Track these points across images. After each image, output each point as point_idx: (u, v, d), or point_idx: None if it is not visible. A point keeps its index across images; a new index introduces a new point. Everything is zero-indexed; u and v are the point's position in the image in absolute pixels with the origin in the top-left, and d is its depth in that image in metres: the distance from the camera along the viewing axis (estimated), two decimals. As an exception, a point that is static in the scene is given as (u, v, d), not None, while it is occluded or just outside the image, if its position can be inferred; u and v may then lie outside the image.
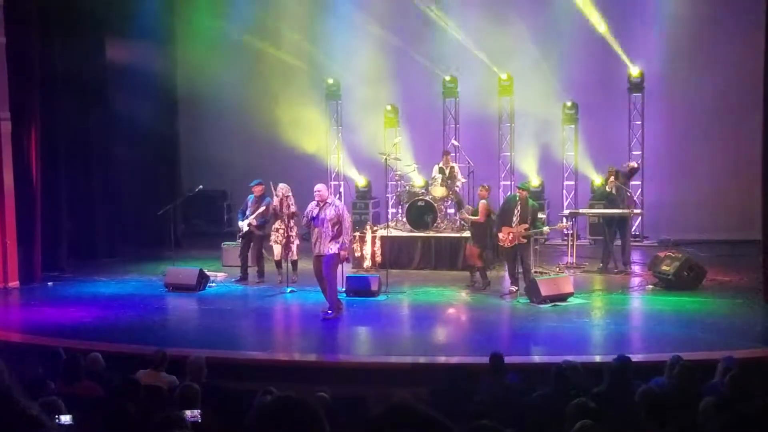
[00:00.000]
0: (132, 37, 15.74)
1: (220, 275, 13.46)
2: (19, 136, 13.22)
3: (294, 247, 12.70)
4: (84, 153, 15.54)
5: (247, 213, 13.04)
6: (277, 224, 12.83)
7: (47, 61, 13.95)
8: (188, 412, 5.18)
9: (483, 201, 12.57)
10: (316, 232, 10.73)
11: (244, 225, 13.00)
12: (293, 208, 12.41)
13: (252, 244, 13.20)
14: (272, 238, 12.92)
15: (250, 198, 13.13)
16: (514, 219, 12.03)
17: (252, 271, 13.28)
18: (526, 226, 11.95)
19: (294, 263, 12.85)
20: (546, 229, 12.27)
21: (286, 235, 12.63)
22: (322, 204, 10.68)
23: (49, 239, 13.94)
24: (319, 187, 10.91)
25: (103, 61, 15.67)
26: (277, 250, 12.89)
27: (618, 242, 13.65)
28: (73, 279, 13.82)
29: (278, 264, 12.93)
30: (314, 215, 10.64)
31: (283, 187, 12.48)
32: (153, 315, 11.27)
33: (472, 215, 12.70)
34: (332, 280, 10.81)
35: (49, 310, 11.49)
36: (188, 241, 16.69)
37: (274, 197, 12.52)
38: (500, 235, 12.13)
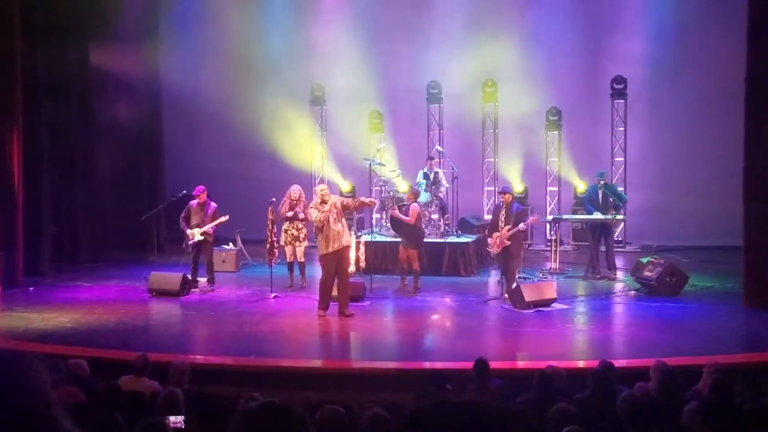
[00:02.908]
0: (116, 41, 15.68)
1: (202, 281, 13.38)
2: (2, 140, 13.14)
3: (300, 250, 12.79)
4: (67, 157, 15.46)
5: (194, 221, 12.79)
6: (285, 225, 12.80)
7: (30, 65, 13.86)
8: (171, 419, 5.15)
9: (415, 204, 12.69)
10: (325, 231, 10.95)
11: (196, 233, 12.75)
12: (302, 215, 12.52)
13: (202, 252, 12.92)
14: (282, 239, 12.88)
15: (193, 204, 12.90)
16: (501, 224, 12.06)
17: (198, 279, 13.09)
18: (509, 227, 11.97)
19: (301, 266, 12.89)
20: (521, 225, 12.28)
21: (294, 235, 12.76)
22: (326, 203, 11.02)
23: (31, 243, 13.85)
24: (324, 186, 11.55)
25: (86, 65, 15.61)
26: (289, 251, 12.87)
27: (602, 248, 13.71)
28: (55, 284, 13.74)
29: (290, 267, 12.97)
30: (326, 218, 10.94)
31: (296, 189, 12.69)
32: (136, 320, 11.21)
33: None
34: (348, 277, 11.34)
35: (30, 315, 11.40)
36: (171, 246, 16.62)
37: (286, 200, 12.59)
38: (489, 240, 12.20)
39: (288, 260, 12.96)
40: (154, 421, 4.87)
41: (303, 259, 12.90)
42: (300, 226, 12.78)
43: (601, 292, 12.56)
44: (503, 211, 12.08)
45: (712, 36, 15.74)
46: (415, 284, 12.56)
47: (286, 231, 12.84)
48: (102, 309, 11.70)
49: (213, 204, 12.93)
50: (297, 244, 12.81)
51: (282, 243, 12.90)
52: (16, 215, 13.38)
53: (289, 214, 12.66)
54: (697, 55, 16.09)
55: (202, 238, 12.77)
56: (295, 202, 12.62)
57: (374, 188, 16.63)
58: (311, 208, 11.25)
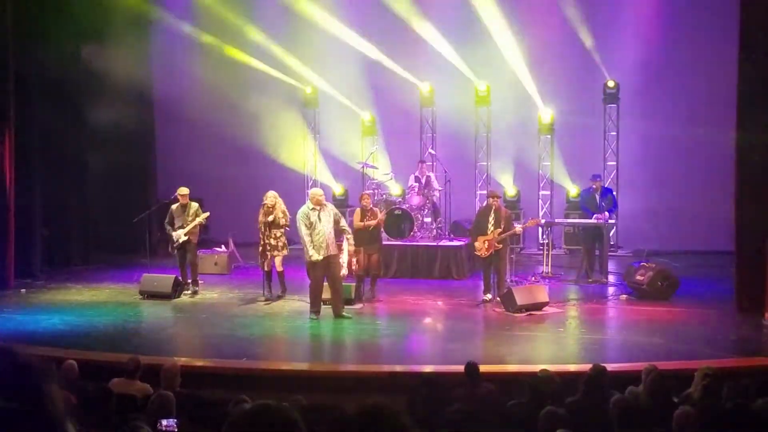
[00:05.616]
0: (108, 44, 15.65)
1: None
2: (-7, 142, 13.12)
3: (279, 259, 12.18)
4: (59, 159, 15.42)
5: (177, 223, 12.63)
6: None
7: (22, 66, 13.82)
8: (163, 421, 5.15)
9: (375, 208, 12.66)
10: (321, 236, 10.85)
11: (180, 234, 12.58)
12: (284, 221, 12.02)
13: (188, 252, 12.75)
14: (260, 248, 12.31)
15: (174, 207, 12.74)
16: (489, 227, 12.04)
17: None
18: (500, 230, 11.95)
19: (281, 275, 12.32)
20: (518, 228, 12.20)
21: (268, 244, 12.06)
22: (321, 208, 10.95)
23: (22, 246, 13.81)
24: (320, 191, 11.31)
25: (78, 67, 15.57)
26: (267, 262, 12.26)
27: (596, 252, 13.74)
28: (46, 286, 13.70)
29: (267, 277, 12.31)
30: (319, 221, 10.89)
31: (270, 195, 12.06)
32: (127, 322, 11.19)
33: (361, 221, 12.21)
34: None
35: (21, 317, 11.37)
36: (163, 249, 16.58)
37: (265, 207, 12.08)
38: (476, 244, 12.12)
39: (265, 269, 12.23)
40: (143, 425, 4.86)
41: (281, 269, 12.27)
42: (278, 234, 12.03)
43: (592, 296, 12.58)
44: (492, 215, 12.06)
45: (704, 41, 15.79)
46: (373, 289, 12.44)
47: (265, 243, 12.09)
48: (93, 311, 11.67)
49: (194, 204, 12.87)
50: (276, 253, 12.09)
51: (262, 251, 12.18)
52: (8, 217, 13.35)
53: (270, 218, 11.90)
54: (689, 61, 16.14)
55: (186, 238, 12.69)
56: (270, 208, 11.96)
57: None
58: (304, 213, 11.00)
